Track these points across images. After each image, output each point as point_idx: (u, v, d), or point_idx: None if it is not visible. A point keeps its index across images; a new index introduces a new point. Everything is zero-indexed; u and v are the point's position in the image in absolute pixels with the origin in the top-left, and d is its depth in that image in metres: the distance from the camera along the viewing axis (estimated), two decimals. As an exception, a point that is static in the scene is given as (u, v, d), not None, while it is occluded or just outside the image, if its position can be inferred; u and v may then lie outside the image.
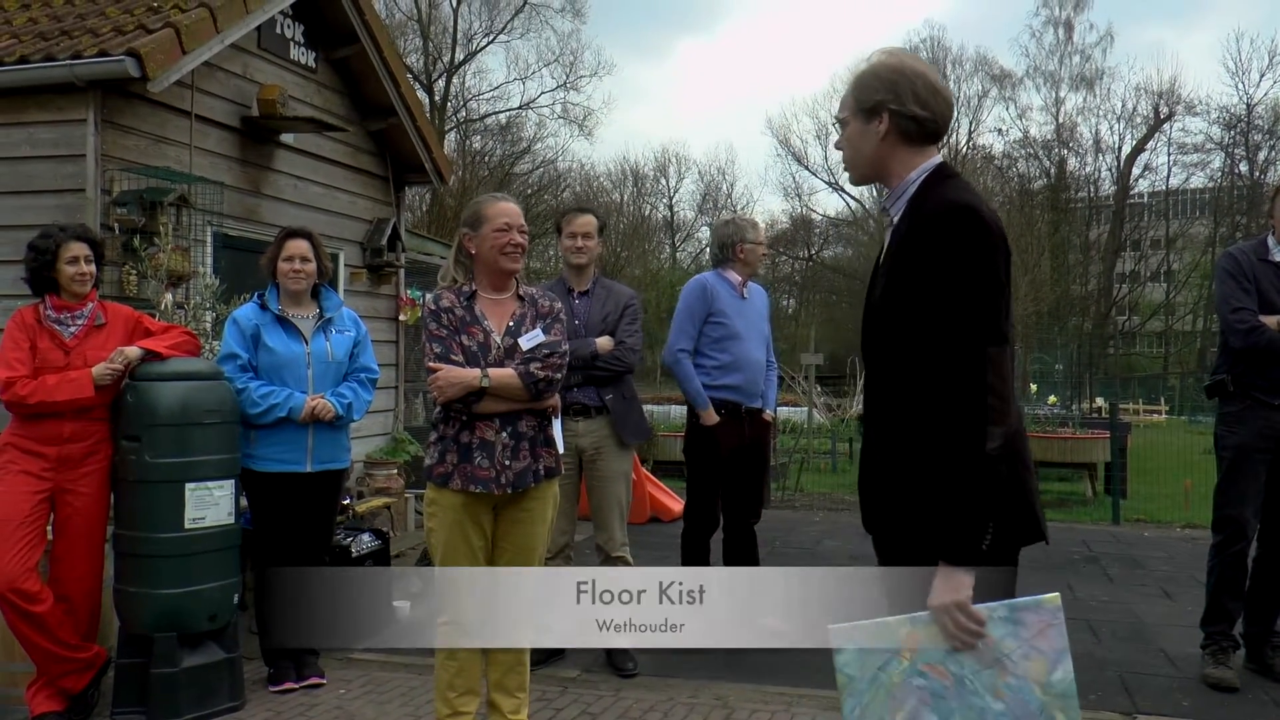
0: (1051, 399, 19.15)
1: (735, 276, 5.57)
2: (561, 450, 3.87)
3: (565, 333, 3.81)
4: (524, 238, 3.70)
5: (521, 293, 3.80)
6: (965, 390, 2.20)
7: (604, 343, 4.98)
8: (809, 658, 5.12)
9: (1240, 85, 57.76)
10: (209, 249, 6.71)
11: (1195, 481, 11.48)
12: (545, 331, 3.72)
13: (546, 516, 3.79)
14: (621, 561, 5.08)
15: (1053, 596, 2.20)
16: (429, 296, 3.76)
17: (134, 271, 5.96)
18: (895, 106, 2.38)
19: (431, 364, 3.59)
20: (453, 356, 3.60)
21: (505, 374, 3.59)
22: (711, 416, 5.35)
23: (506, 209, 3.71)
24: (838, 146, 2.53)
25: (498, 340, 3.66)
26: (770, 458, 6.57)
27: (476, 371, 3.56)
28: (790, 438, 15.48)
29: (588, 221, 5.07)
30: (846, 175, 2.55)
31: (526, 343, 3.66)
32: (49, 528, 4.28)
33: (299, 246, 4.74)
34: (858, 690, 2.18)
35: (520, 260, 3.72)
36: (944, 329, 2.23)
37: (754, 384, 5.49)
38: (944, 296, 2.23)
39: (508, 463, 3.61)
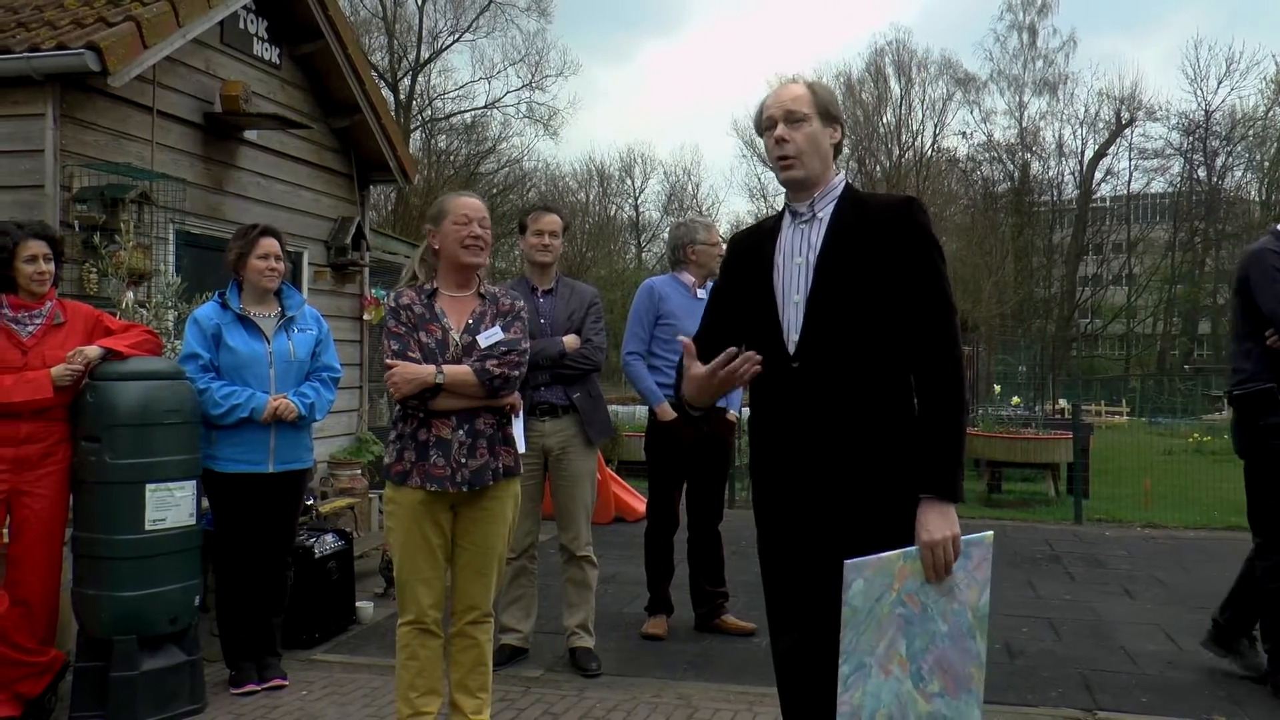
0: (1015, 400, 19.28)
1: (689, 278, 5.64)
2: (523, 449, 3.87)
3: (526, 331, 3.78)
4: (485, 230, 3.69)
5: (483, 291, 3.78)
6: (955, 352, 2.56)
7: (571, 341, 4.98)
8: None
9: (1199, 92, 58.38)
10: (171, 247, 6.63)
11: (1155, 482, 11.64)
12: (504, 329, 3.70)
13: (506, 516, 3.77)
14: (586, 562, 5.08)
15: (990, 534, 2.58)
16: (391, 294, 3.74)
17: (94, 270, 5.88)
18: (844, 124, 2.80)
19: (388, 360, 3.58)
20: (410, 353, 3.58)
21: (460, 370, 3.58)
22: (667, 411, 5.41)
23: (467, 203, 3.71)
24: (783, 139, 2.67)
25: (455, 338, 3.64)
26: (734, 458, 6.61)
27: (431, 368, 3.55)
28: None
29: (553, 220, 5.07)
30: (787, 167, 2.69)
31: (485, 340, 3.65)
32: (5, 530, 4.21)
33: (273, 245, 4.69)
34: (857, 622, 2.44)
35: (481, 254, 3.70)
36: (932, 303, 2.57)
37: None
38: (926, 276, 2.58)
39: (464, 460, 3.59)
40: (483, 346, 3.63)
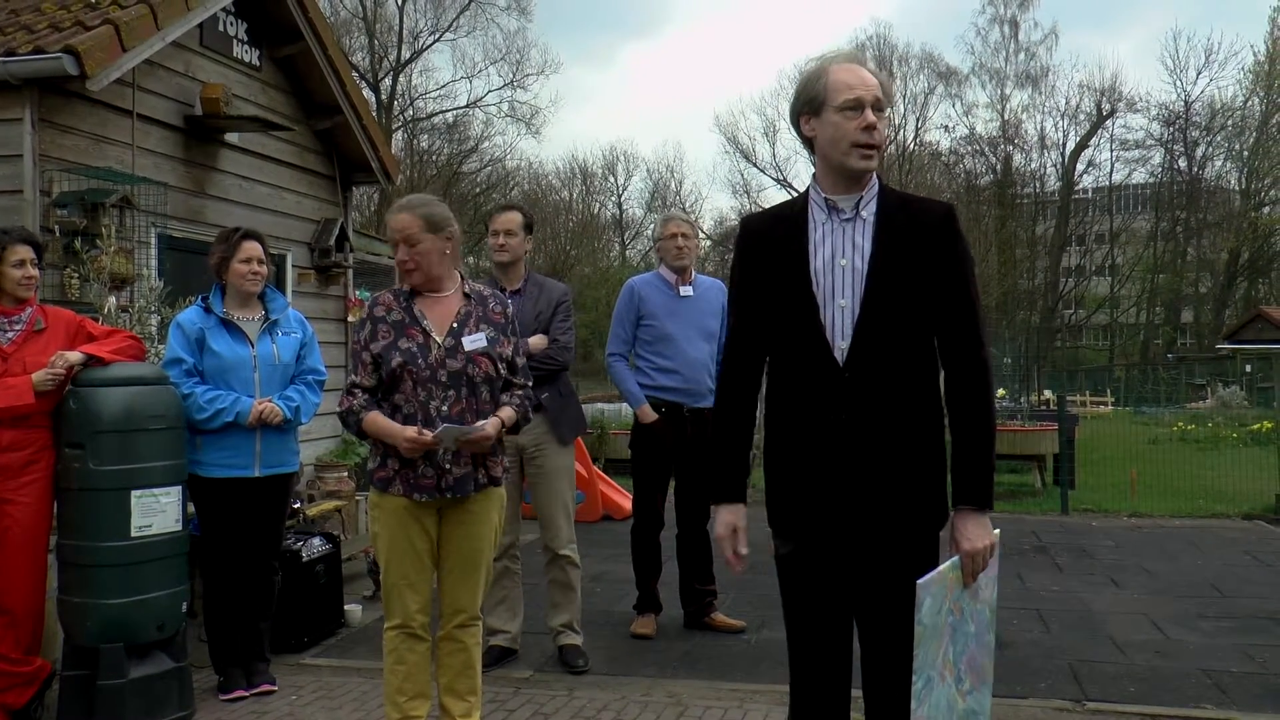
0: (1000, 392, 19.38)
1: (669, 274, 5.61)
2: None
3: (517, 345, 3.77)
4: (414, 248, 3.56)
5: (468, 290, 3.73)
6: (987, 361, 2.59)
7: (536, 341, 4.90)
8: (762, 653, 5.15)
9: (1178, 83, 58.83)
10: (153, 251, 6.59)
11: (1141, 471, 11.69)
12: (492, 342, 3.64)
13: (492, 519, 3.74)
14: (568, 561, 5.04)
15: (996, 531, 2.60)
16: (369, 298, 3.70)
17: (76, 275, 5.84)
18: None
19: (406, 442, 3.48)
20: (361, 370, 3.62)
21: (506, 414, 3.64)
22: (647, 413, 5.40)
23: (393, 222, 3.60)
24: (875, 126, 2.55)
25: (438, 340, 3.59)
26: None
27: (494, 423, 3.56)
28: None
29: (508, 219, 5.02)
30: (868, 157, 2.53)
31: (469, 344, 3.60)
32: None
33: (255, 248, 4.66)
34: (927, 639, 2.45)
35: (413, 275, 3.61)
36: (968, 315, 2.57)
37: (695, 383, 5.47)
38: (964, 287, 2.58)
39: (449, 468, 3.57)
40: (466, 350, 3.59)
